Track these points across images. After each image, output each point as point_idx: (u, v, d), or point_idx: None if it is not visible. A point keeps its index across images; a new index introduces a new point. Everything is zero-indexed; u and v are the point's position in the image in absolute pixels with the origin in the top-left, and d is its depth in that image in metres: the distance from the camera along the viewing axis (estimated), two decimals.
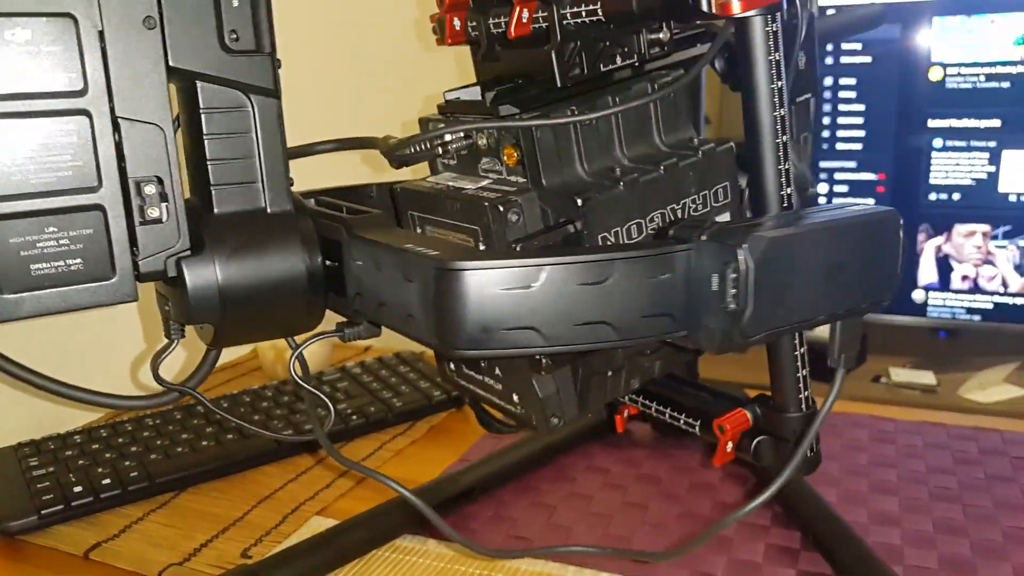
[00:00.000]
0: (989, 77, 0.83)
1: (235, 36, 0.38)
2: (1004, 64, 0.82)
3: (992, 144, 0.84)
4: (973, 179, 0.85)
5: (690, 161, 0.44)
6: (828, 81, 0.89)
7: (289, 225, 0.41)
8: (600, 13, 0.41)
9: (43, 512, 0.60)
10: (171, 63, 0.37)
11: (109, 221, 0.36)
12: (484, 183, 0.44)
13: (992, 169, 0.84)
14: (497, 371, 0.46)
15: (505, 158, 0.43)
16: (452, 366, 0.50)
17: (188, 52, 0.37)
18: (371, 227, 0.41)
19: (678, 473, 0.66)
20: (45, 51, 0.34)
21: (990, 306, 0.87)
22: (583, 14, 0.42)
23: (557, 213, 0.41)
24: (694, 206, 0.45)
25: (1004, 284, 0.85)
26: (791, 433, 0.45)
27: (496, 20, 0.46)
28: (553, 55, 0.42)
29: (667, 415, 0.50)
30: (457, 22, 0.48)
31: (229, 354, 0.96)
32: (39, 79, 0.34)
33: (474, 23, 0.47)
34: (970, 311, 0.88)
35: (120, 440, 0.70)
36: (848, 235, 0.38)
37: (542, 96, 0.44)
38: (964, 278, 0.87)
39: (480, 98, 0.45)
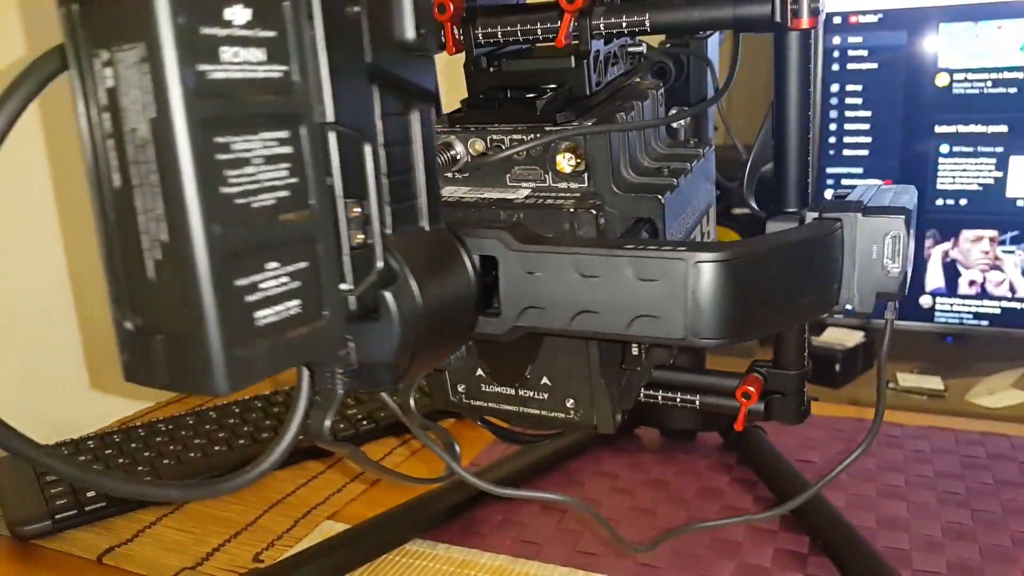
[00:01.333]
0: (996, 83, 0.84)
1: (422, 32, 0.33)
2: (1011, 70, 0.83)
3: (999, 150, 0.84)
4: (980, 184, 0.85)
5: (700, 161, 0.47)
6: (834, 87, 0.90)
7: (452, 243, 0.37)
8: (647, 24, 0.42)
9: (57, 517, 0.61)
10: (367, 60, 0.32)
11: (319, 251, 0.30)
12: (526, 192, 0.44)
13: (999, 174, 0.85)
14: (545, 380, 0.45)
15: (559, 165, 0.43)
16: (462, 388, 0.48)
17: (380, 48, 0.32)
18: (533, 236, 0.39)
19: (686, 478, 0.67)
20: (261, 37, 0.27)
21: (998, 311, 0.87)
22: (623, 25, 0.42)
23: (628, 214, 0.42)
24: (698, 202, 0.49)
25: (1012, 289, 0.85)
26: (794, 389, 0.48)
27: (488, 30, 0.46)
28: (586, 64, 0.43)
29: (660, 398, 0.51)
30: (456, 31, 0.48)
31: None
32: (256, 73, 0.27)
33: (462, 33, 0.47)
34: (977, 316, 0.88)
35: (133, 445, 0.71)
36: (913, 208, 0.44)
37: (571, 103, 0.44)
38: (971, 283, 0.87)
39: (493, 107, 0.46)
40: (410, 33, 0.33)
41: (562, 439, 0.69)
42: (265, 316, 0.27)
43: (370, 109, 0.33)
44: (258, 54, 0.27)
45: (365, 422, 0.74)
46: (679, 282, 0.35)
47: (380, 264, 0.32)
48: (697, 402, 0.50)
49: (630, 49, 0.49)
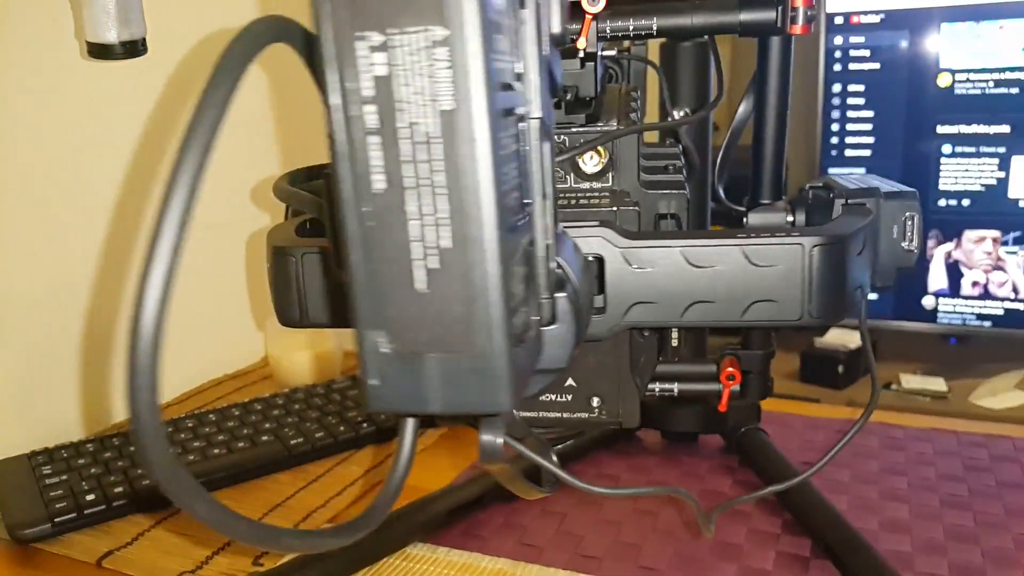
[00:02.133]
0: (998, 83, 0.84)
1: (566, 26, 0.31)
2: (1013, 70, 0.82)
3: (1001, 150, 0.84)
4: (983, 185, 0.85)
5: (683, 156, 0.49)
6: (836, 88, 0.89)
7: (575, 244, 0.35)
8: (654, 28, 0.43)
9: (56, 520, 0.61)
10: (544, 52, 0.29)
11: (532, 254, 0.28)
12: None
13: (1002, 175, 0.84)
14: (569, 382, 0.45)
15: (581, 166, 0.43)
16: None
17: (547, 41, 0.30)
18: (632, 232, 0.39)
19: (687, 480, 0.67)
20: (507, 25, 0.24)
21: (1001, 312, 0.86)
22: (630, 28, 0.43)
23: (651, 211, 0.44)
24: None
25: (1015, 290, 0.85)
26: (762, 368, 0.53)
27: None
28: (594, 65, 0.44)
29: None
30: None
31: (239, 362, 0.97)
32: (505, 64, 0.24)
33: None
34: (980, 317, 0.87)
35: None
36: None
37: (583, 105, 0.44)
38: (974, 284, 0.87)
39: None
40: (559, 27, 0.31)
41: (562, 441, 0.68)
42: (517, 325, 0.25)
43: None
44: (506, 44, 0.24)
45: (365, 425, 0.74)
46: (797, 265, 0.37)
47: (552, 266, 0.30)
48: (675, 389, 0.50)
49: (604, 52, 0.51)
